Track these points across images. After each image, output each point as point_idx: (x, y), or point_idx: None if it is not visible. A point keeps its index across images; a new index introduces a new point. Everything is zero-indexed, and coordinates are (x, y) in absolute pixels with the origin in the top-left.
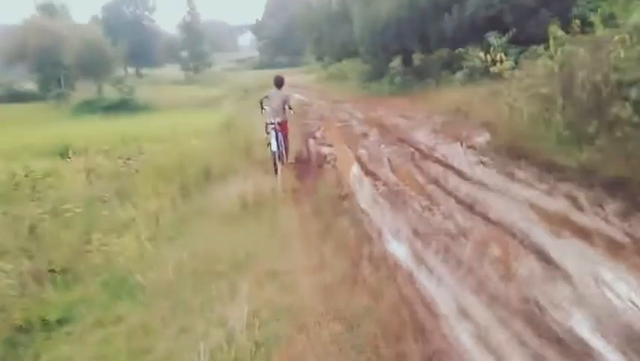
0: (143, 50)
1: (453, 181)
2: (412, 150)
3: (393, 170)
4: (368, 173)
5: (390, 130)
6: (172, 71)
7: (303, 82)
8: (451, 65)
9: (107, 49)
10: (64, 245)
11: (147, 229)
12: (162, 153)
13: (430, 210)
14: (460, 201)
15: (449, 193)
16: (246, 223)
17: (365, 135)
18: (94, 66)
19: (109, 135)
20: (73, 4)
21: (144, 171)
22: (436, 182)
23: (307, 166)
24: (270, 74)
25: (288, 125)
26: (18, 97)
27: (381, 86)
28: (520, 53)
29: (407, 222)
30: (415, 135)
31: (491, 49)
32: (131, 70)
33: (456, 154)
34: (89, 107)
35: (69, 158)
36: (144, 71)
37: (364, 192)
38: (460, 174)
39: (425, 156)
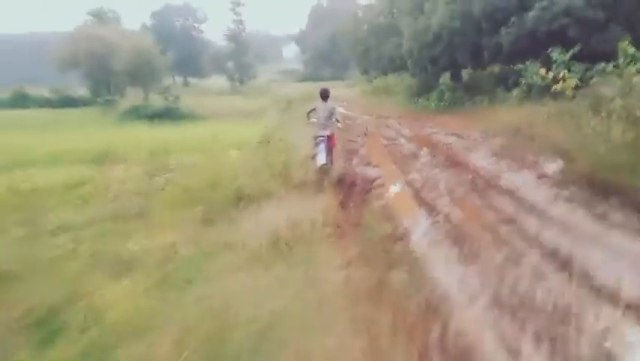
0: (190, 59)
1: (531, 222)
2: (472, 176)
3: (453, 202)
4: (424, 204)
5: (444, 151)
6: (218, 81)
7: (346, 95)
8: (506, 82)
9: (156, 57)
10: (50, 285)
11: (156, 269)
12: (194, 169)
13: (514, 265)
14: (549, 255)
15: (531, 241)
16: (276, 268)
17: (415, 156)
18: (142, 74)
19: (148, 144)
20: (122, 11)
21: (171, 190)
22: (509, 222)
23: (351, 191)
24: (314, 86)
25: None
26: (71, 102)
27: (429, 101)
28: (586, 70)
29: (484, 283)
30: (472, 158)
31: (553, 65)
32: (178, 79)
33: (526, 184)
34: (135, 113)
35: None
36: (191, 80)
37: (422, 232)
38: (537, 212)
39: (489, 185)
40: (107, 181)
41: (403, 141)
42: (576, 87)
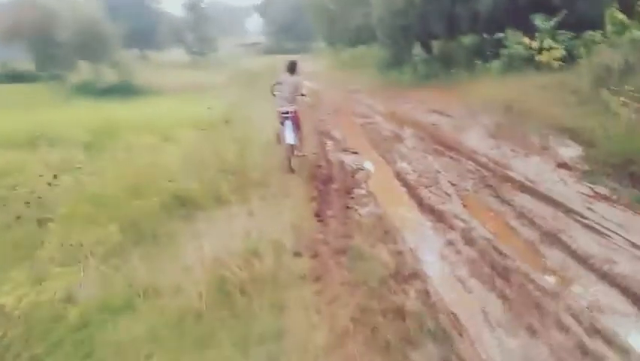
0: (147, 31)
1: (579, 236)
2: (474, 164)
3: (465, 205)
4: (426, 210)
5: (430, 131)
6: (178, 54)
7: (313, 69)
8: (483, 53)
9: (104, 27)
10: None
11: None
12: (127, 158)
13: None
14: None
15: (593, 269)
16: (221, 344)
17: (398, 138)
18: (90, 46)
19: (91, 123)
20: None
21: (80, 195)
22: (548, 235)
23: (328, 190)
24: (278, 59)
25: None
26: (18, 77)
27: (402, 75)
28: (573, 39)
29: None
30: (467, 141)
31: (536, 34)
32: (135, 52)
33: (547, 177)
34: (85, 89)
35: None
36: (149, 53)
37: (437, 262)
38: (578, 218)
39: (500, 178)
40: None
41: (379, 119)
42: (562, 59)
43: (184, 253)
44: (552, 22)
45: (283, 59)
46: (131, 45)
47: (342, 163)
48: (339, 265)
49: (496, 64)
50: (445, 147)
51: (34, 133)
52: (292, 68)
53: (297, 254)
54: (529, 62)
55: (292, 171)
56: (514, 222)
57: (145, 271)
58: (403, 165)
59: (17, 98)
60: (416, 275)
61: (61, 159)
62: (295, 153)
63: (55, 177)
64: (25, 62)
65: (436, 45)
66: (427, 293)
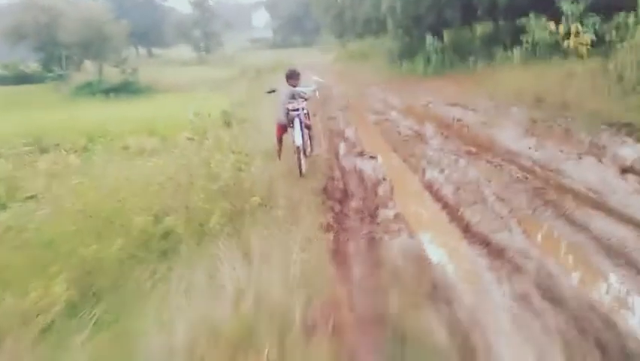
0: (153, 29)
1: None
2: (519, 170)
3: (527, 233)
4: (478, 241)
5: (455, 128)
6: (184, 51)
7: (320, 62)
8: (501, 40)
9: (108, 26)
10: None
11: None
12: (104, 175)
13: None
14: None
15: None
16: None
17: (420, 137)
18: (94, 45)
19: (92, 125)
20: None
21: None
22: None
23: (348, 212)
24: (285, 53)
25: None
26: (25, 78)
27: (415, 65)
28: (602, 23)
29: None
30: (502, 139)
31: (563, 18)
32: (142, 50)
33: (613, 184)
34: (89, 89)
35: None
36: (156, 51)
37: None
38: None
39: (559, 190)
40: None
41: (395, 114)
42: (591, 44)
43: (143, 338)
44: (581, 5)
45: (289, 54)
46: (138, 43)
47: (359, 172)
48: (371, 348)
49: (517, 51)
50: (478, 147)
51: (32, 137)
52: (292, 77)
53: (310, 330)
54: (554, 49)
55: (301, 174)
56: (601, 261)
57: None
58: (433, 174)
59: (21, 99)
60: None
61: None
62: (307, 154)
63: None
64: (31, 63)
65: (446, 34)
66: None
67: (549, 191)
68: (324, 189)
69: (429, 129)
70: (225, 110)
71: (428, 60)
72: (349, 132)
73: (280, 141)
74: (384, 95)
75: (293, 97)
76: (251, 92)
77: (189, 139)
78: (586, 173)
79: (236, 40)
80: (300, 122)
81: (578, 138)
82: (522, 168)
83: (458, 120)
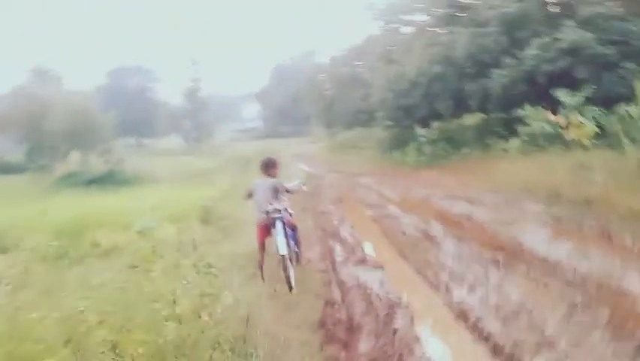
0: (145, 120)
1: None
2: (569, 288)
3: None
4: None
5: (467, 227)
6: (174, 141)
7: (309, 152)
8: (495, 132)
9: (97, 118)
10: None
11: None
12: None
13: None
14: None
15: None
16: None
17: (429, 238)
18: (81, 136)
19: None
20: (76, 71)
21: None
22: None
23: None
24: (274, 143)
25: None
26: (6, 169)
27: (406, 156)
28: (604, 115)
29: None
30: (528, 243)
31: (560, 110)
32: (132, 140)
33: None
34: (72, 180)
35: None
36: (146, 141)
37: None
38: None
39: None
40: None
41: (394, 209)
42: (596, 135)
43: None
44: (579, 97)
45: (279, 143)
46: (128, 134)
47: (365, 290)
48: None
49: (515, 143)
50: (503, 253)
51: None
52: (268, 166)
53: None
54: (555, 140)
55: (291, 289)
56: None
57: None
58: (461, 295)
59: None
60: None
61: None
62: (295, 261)
63: None
64: (15, 154)
65: (438, 125)
66: None
67: (626, 320)
68: (322, 323)
69: (436, 228)
70: (204, 205)
71: (419, 151)
72: (345, 232)
73: (263, 247)
74: (378, 187)
75: (275, 192)
76: (237, 183)
77: (132, 267)
78: None
79: (226, 131)
80: (284, 225)
81: (621, 242)
82: (571, 284)
83: (468, 218)
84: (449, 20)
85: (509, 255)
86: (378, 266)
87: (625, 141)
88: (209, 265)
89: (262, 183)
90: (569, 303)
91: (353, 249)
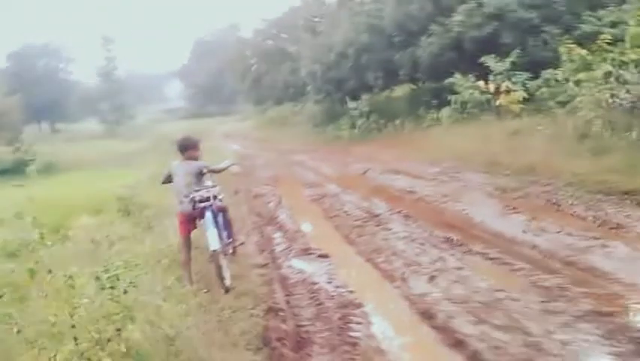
0: (58, 103)
1: None
2: (539, 272)
3: None
4: None
5: (413, 204)
6: (92, 125)
7: (239, 130)
8: (426, 102)
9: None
10: None
11: None
12: None
13: None
14: None
15: None
16: None
17: (375, 219)
18: None
19: None
20: None
21: None
22: None
23: None
24: (200, 123)
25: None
26: None
27: (339, 130)
28: (531, 80)
29: None
30: (482, 219)
31: (489, 77)
32: (45, 125)
33: None
34: None
35: None
36: (60, 126)
37: None
38: None
39: (623, 311)
40: None
41: (334, 187)
42: (524, 101)
43: None
44: (507, 63)
45: (205, 123)
46: (40, 119)
47: (312, 288)
48: None
49: (446, 111)
50: (456, 231)
51: None
52: (185, 147)
53: None
54: (484, 107)
55: (227, 290)
56: None
57: None
58: (421, 286)
59: None
60: None
61: None
62: (227, 253)
63: None
64: None
65: (369, 97)
66: None
67: (612, 318)
68: (264, 338)
69: (380, 206)
70: (121, 195)
71: (352, 124)
72: (284, 216)
73: (188, 242)
74: (314, 164)
75: (199, 176)
76: (163, 166)
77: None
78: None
79: (148, 112)
80: (214, 215)
81: (575, 212)
82: (537, 265)
83: (410, 192)
84: None
85: (461, 233)
86: (324, 255)
87: (553, 105)
88: (117, 277)
89: (182, 165)
90: (540, 287)
91: (294, 236)
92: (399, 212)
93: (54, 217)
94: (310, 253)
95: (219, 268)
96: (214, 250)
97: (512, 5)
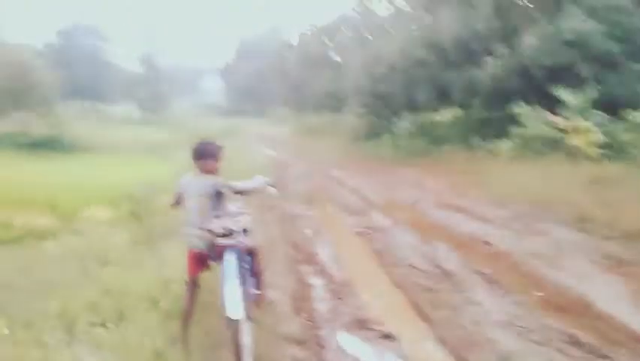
0: (100, 84)
1: None
2: None
3: None
4: None
5: (491, 259)
6: (129, 109)
7: (273, 134)
8: (477, 129)
9: (37, 74)
10: None
11: None
12: None
13: None
14: None
15: None
16: None
17: (445, 275)
18: (20, 93)
19: None
20: (23, 26)
21: None
22: None
23: None
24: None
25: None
26: None
27: (380, 148)
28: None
29: None
30: (600, 304)
31: (561, 111)
32: (81, 104)
33: None
34: (11, 142)
35: None
36: (100, 106)
37: None
38: None
39: None
40: None
41: (380, 219)
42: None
43: None
44: (584, 97)
45: (241, 122)
46: (79, 96)
47: None
48: None
49: (506, 144)
50: (584, 326)
51: None
52: (200, 155)
53: None
54: (554, 146)
55: None
56: None
57: None
58: None
59: None
60: None
61: None
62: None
63: None
64: None
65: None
66: None
67: None
68: None
69: (451, 260)
70: (134, 195)
71: (396, 143)
72: (325, 253)
73: (194, 286)
74: (354, 183)
75: (217, 199)
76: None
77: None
78: None
79: (185, 104)
80: (239, 258)
81: None
82: None
83: (483, 242)
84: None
85: (590, 328)
86: (389, 336)
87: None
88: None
89: (195, 182)
90: None
91: (341, 291)
92: (478, 272)
93: (69, 203)
94: (368, 328)
95: (238, 346)
96: (231, 318)
97: (596, 34)
